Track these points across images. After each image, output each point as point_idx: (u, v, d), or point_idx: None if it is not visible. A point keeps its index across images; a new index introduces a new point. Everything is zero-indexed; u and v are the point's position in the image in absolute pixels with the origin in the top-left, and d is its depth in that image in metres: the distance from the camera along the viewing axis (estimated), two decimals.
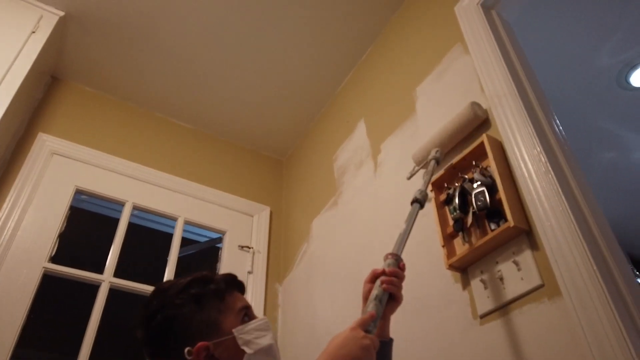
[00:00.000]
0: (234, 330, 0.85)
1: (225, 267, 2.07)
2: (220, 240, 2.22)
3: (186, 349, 0.81)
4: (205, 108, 2.35)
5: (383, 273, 0.93)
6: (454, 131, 1.32)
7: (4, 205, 1.68)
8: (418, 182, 1.46)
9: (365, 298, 0.92)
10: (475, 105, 1.28)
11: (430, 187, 1.34)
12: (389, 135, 1.74)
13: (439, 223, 1.27)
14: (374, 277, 0.94)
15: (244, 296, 0.95)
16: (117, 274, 1.80)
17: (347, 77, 2.23)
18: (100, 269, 1.78)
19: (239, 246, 2.17)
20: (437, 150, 1.25)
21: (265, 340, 0.87)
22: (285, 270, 2.15)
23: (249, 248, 2.18)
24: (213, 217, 2.18)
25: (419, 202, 1.09)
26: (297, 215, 2.26)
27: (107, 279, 1.76)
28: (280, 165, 2.63)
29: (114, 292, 1.77)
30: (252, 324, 0.88)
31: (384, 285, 0.90)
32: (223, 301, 0.89)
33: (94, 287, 1.75)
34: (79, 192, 1.91)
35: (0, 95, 1.58)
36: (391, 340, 0.99)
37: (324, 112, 2.37)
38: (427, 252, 1.35)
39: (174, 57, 2.12)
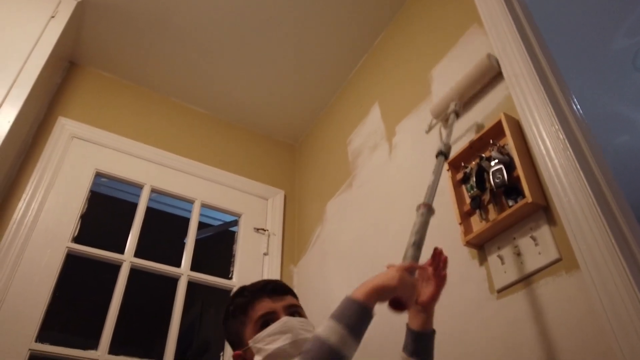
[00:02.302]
0: (249, 341, 0.94)
1: (241, 249, 2.10)
2: (235, 223, 2.25)
3: (233, 354, 0.98)
4: (220, 94, 2.37)
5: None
6: (471, 82, 1.36)
7: (27, 188, 1.72)
8: (432, 163, 1.48)
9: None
10: (491, 56, 1.32)
11: (446, 166, 1.36)
12: (404, 118, 1.75)
13: (456, 201, 1.29)
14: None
15: (278, 297, 1.01)
16: (137, 256, 1.84)
17: (360, 61, 2.23)
18: (119, 252, 1.82)
19: (255, 229, 2.20)
20: (457, 103, 1.28)
21: (273, 345, 0.91)
22: (300, 252, 2.19)
23: (265, 230, 2.21)
24: (229, 200, 2.22)
25: (444, 154, 1.13)
26: (311, 199, 2.29)
27: (128, 258, 1.80)
28: (293, 149, 2.65)
29: (133, 274, 1.81)
30: (265, 332, 0.93)
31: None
32: (245, 313, 0.98)
33: (114, 268, 1.79)
34: (98, 175, 1.94)
35: (23, 80, 1.61)
36: (433, 331, 1.01)
37: (337, 96, 2.38)
38: (442, 230, 1.36)
39: (189, 43, 2.14)
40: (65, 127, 1.94)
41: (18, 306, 1.50)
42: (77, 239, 1.75)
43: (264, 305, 0.98)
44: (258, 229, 2.21)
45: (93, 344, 1.60)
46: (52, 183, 1.78)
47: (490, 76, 1.34)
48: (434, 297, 0.99)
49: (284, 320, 0.95)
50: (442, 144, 1.14)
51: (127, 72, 2.25)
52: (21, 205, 1.67)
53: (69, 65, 2.16)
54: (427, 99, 1.65)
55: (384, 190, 1.73)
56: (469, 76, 1.36)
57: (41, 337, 1.53)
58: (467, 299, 1.22)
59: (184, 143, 2.25)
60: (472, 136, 1.32)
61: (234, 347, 0.99)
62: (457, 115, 1.28)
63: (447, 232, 1.34)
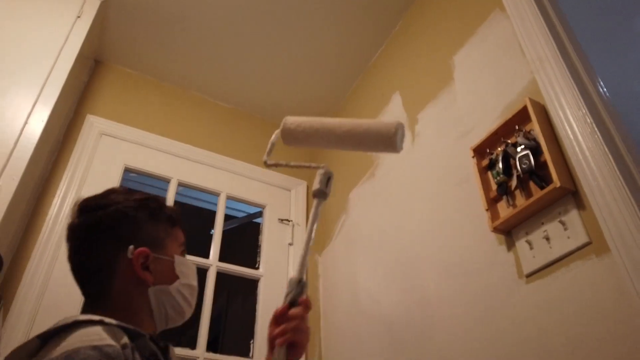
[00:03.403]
0: (175, 255, 0.89)
1: (266, 239, 2.14)
2: (260, 214, 2.29)
3: (130, 247, 0.82)
4: (241, 86, 2.40)
5: (284, 315, 0.75)
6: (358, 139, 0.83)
7: (61, 184, 1.78)
8: (455, 149, 1.49)
9: (270, 342, 0.76)
10: (399, 126, 0.80)
11: (471, 153, 1.37)
12: (426, 106, 1.76)
13: (482, 187, 1.30)
14: (275, 320, 0.77)
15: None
16: None
17: (380, 49, 2.23)
18: None
19: (279, 219, 2.24)
20: (325, 172, 0.88)
21: (194, 282, 0.91)
22: (325, 241, 2.22)
23: (289, 221, 2.25)
24: (253, 191, 2.25)
25: (323, 193, 0.87)
26: (334, 188, 2.30)
27: None
28: None
29: None
30: (191, 264, 0.92)
31: (281, 340, 0.73)
32: (172, 228, 0.91)
33: None
34: (127, 170, 2.00)
35: (53, 80, 1.66)
36: None
37: (357, 86, 2.39)
38: (468, 217, 1.38)
39: (209, 37, 2.16)
40: (94, 125, 1.99)
41: (57, 302, 1.56)
42: None
43: (181, 237, 0.93)
44: (282, 220, 2.24)
45: None
46: (84, 179, 1.83)
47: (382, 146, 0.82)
48: (299, 354, 0.77)
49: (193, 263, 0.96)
50: (318, 182, 0.86)
51: (150, 69, 2.29)
52: (56, 202, 1.73)
53: (95, 63, 2.21)
54: (448, 87, 1.65)
55: (408, 179, 1.75)
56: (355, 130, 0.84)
57: None
58: (495, 284, 1.23)
59: (208, 136, 2.29)
60: (496, 122, 1.32)
61: (135, 242, 0.83)
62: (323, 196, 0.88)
63: (473, 219, 1.36)
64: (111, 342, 0.65)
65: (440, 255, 1.46)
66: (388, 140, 0.79)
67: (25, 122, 1.53)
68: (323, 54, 2.25)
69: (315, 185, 0.87)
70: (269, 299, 1.98)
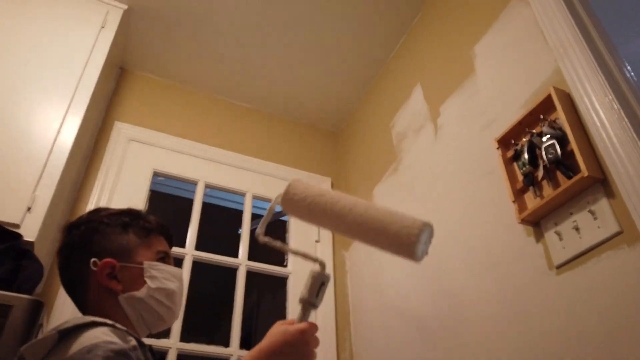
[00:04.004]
0: (145, 262, 0.90)
1: (293, 237, 2.17)
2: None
3: (92, 260, 0.86)
4: (263, 88, 2.43)
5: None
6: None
7: (94, 190, 1.84)
8: (480, 141, 1.48)
9: None
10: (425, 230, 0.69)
11: (496, 145, 1.36)
12: (447, 98, 1.74)
13: (508, 179, 1.29)
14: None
15: (170, 246, 1.00)
16: (197, 248, 1.94)
17: (399, 43, 2.22)
18: (181, 246, 1.92)
19: None
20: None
21: (171, 285, 0.91)
22: None
23: None
24: (278, 190, 2.25)
25: (312, 305, 0.77)
26: (357, 184, 2.32)
27: (190, 252, 1.90)
28: (337, 137, 2.69)
29: (195, 265, 1.91)
30: (168, 267, 0.93)
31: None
32: (147, 237, 0.94)
33: (177, 262, 1.89)
34: (156, 175, 2.05)
35: (82, 90, 1.71)
36: None
37: (377, 80, 2.38)
38: (495, 209, 1.37)
39: (229, 41, 2.19)
40: (122, 131, 2.05)
41: None
42: None
43: (164, 244, 0.97)
44: None
45: (165, 333, 1.71)
46: (116, 185, 1.89)
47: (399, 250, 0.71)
48: None
49: (181, 270, 0.99)
50: (305, 291, 0.75)
51: (174, 74, 2.34)
52: (90, 208, 1.79)
53: (120, 71, 2.27)
54: (470, 77, 1.63)
55: (431, 173, 1.74)
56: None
57: None
58: (525, 276, 1.22)
59: (232, 138, 2.33)
60: (520, 113, 1.31)
61: (100, 255, 0.87)
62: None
63: (499, 211, 1.35)
64: (123, 344, 0.70)
65: (466, 249, 1.46)
66: (407, 248, 0.65)
67: (58, 132, 1.58)
68: (342, 50, 2.26)
69: (303, 291, 0.73)
70: (298, 295, 2.00)
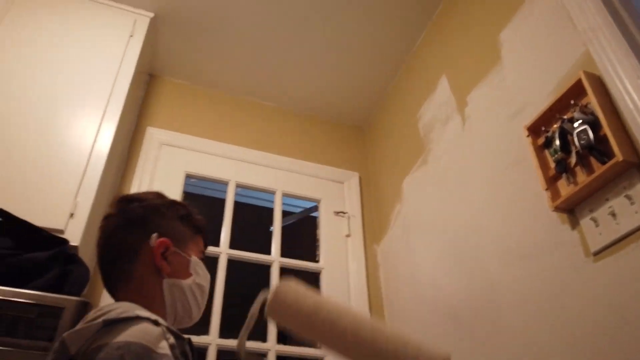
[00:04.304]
0: (193, 256, 0.93)
1: (324, 233, 2.19)
2: (316, 208, 2.35)
3: (154, 234, 0.88)
4: (288, 87, 2.45)
5: None
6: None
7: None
8: (508, 130, 1.46)
9: None
10: None
11: (526, 132, 1.34)
12: (474, 87, 1.73)
13: (539, 167, 1.27)
14: None
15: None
16: (230, 247, 1.99)
17: (422, 34, 2.21)
18: (215, 245, 1.97)
19: (334, 212, 2.28)
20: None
21: (206, 284, 0.95)
22: (382, 231, 2.24)
23: (344, 213, 2.29)
24: (307, 187, 2.31)
25: None
26: (386, 178, 2.33)
27: (224, 250, 1.95)
28: (363, 131, 2.69)
29: (230, 264, 1.96)
30: (206, 271, 0.96)
31: None
32: (196, 235, 0.96)
33: (213, 260, 1.95)
34: (188, 177, 2.11)
35: (115, 98, 1.77)
36: None
37: (402, 72, 2.37)
38: (527, 198, 1.35)
39: (253, 42, 2.23)
40: (154, 136, 2.11)
41: None
42: None
43: (202, 246, 0.99)
44: (338, 213, 2.28)
45: (204, 330, 1.77)
46: (151, 188, 1.95)
47: None
48: None
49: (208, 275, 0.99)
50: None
51: (200, 78, 2.39)
52: None
53: (149, 77, 2.34)
54: (497, 66, 1.61)
55: (461, 163, 1.73)
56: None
57: None
58: (561, 264, 1.21)
59: (260, 138, 2.36)
60: (549, 99, 1.29)
61: (162, 233, 0.90)
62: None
63: (532, 199, 1.33)
64: (159, 347, 0.68)
65: (500, 239, 1.45)
66: None
67: (94, 140, 1.64)
68: (365, 45, 2.26)
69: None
70: (331, 290, 2.04)
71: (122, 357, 0.64)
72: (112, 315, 0.71)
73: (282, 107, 2.56)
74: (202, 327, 1.80)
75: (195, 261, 0.93)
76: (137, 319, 0.71)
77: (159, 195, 0.98)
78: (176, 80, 2.40)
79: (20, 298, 1.01)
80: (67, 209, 1.45)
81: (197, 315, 0.93)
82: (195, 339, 1.73)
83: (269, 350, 1.80)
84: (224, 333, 1.80)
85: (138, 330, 0.69)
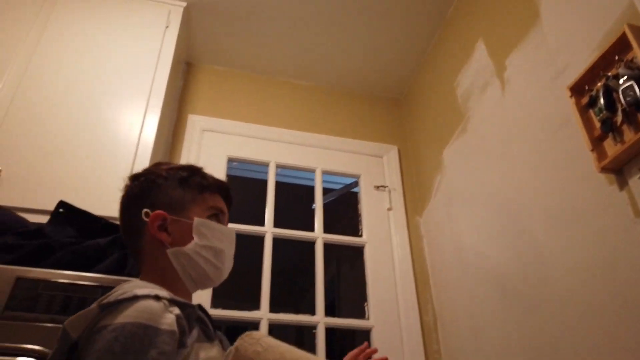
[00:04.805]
0: (195, 218, 0.90)
1: (365, 207, 2.21)
2: (356, 184, 2.37)
3: (144, 210, 0.88)
4: (322, 64, 2.46)
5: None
6: None
7: None
8: (550, 91, 1.41)
9: None
10: None
11: (569, 93, 1.30)
12: (513, 50, 1.67)
13: (584, 127, 1.23)
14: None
15: (227, 206, 0.99)
16: (275, 226, 2.05)
17: None
18: (260, 225, 2.04)
19: (375, 187, 2.29)
20: None
21: (219, 244, 0.90)
22: (424, 202, 2.23)
23: (385, 187, 2.29)
24: (346, 163, 2.33)
25: None
26: (425, 149, 2.31)
27: (269, 229, 2.02)
28: (400, 103, 2.67)
29: (275, 242, 2.02)
30: (218, 226, 0.92)
31: None
32: (201, 194, 0.93)
33: (260, 240, 2.02)
34: (230, 160, 2.17)
35: (156, 88, 1.84)
36: None
37: (436, 40, 2.32)
38: (572, 160, 1.32)
39: (285, 21, 2.24)
40: (195, 124, 2.18)
41: None
42: None
43: (220, 202, 0.96)
44: (378, 187, 2.29)
45: (256, 306, 1.85)
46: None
47: None
48: None
49: (234, 230, 0.97)
50: None
51: (236, 62, 2.44)
52: None
53: (187, 66, 2.40)
54: (536, 25, 1.55)
55: (502, 129, 1.69)
56: None
57: (215, 304, 1.80)
58: (610, 226, 1.17)
59: (298, 117, 2.39)
60: (592, 56, 1.24)
61: (154, 206, 0.90)
62: None
63: (577, 161, 1.30)
64: (161, 323, 0.69)
65: (546, 204, 1.42)
66: None
67: (141, 131, 1.72)
68: (397, 14, 2.22)
69: None
70: (375, 263, 2.07)
71: (116, 339, 0.64)
72: (110, 298, 0.72)
73: (318, 85, 2.56)
74: (253, 303, 1.88)
75: (199, 223, 0.90)
76: (135, 298, 0.71)
77: (165, 165, 0.97)
78: (213, 66, 2.45)
79: (86, 281, 1.10)
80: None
81: (216, 275, 0.91)
82: (247, 315, 1.82)
83: (318, 322, 1.86)
84: (274, 308, 1.87)
85: (134, 310, 0.69)
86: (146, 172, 0.95)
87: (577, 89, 1.28)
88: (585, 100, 1.25)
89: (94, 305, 0.70)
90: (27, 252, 1.14)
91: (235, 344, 0.61)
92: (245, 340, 0.59)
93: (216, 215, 0.93)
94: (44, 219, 1.32)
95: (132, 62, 1.86)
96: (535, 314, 1.40)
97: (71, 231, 1.26)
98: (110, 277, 1.11)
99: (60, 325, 0.71)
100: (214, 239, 0.90)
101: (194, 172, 0.96)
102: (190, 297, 0.91)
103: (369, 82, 2.58)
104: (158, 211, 0.88)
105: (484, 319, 1.64)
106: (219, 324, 0.97)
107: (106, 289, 1.07)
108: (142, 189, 0.92)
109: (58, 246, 1.17)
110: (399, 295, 2.00)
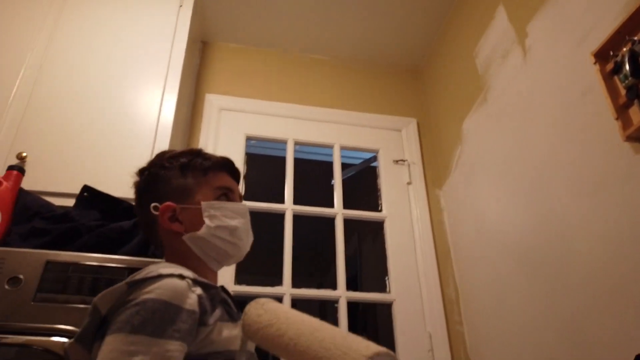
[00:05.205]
0: (202, 202, 0.90)
1: (384, 182, 2.21)
2: (375, 159, 2.35)
3: (153, 204, 0.90)
4: (338, 37, 2.42)
5: None
6: None
7: None
8: (575, 58, 1.36)
9: None
10: None
11: (592, 59, 1.25)
12: (534, 15, 1.61)
13: (608, 95, 1.19)
14: None
15: (236, 180, 0.98)
16: (295, 203, 2.06)
17: None
18: (280, 202, 2.05)
19: (394, 161, 2.28)
20: None
21: (231, 222, 0.90)
22: (443, 175, 2.21)
23: (404, 161, 2.27)
24: (364, 138, 2.31)
25: None
26: (445, 121, 2.27)
27: (289, 207, 2.03)
28: (418, 75, 2.62)
29: (296, 218, 2.04)
30: (228, 204, 0.92)
31: None
32: (205, 175, 0.93)
33: (280, 217, 2.04)
34: (248, 139, 2.18)
35: (173, 69, 1.84)
36: None
37: (454, 8, 2.25)
38: (597, 129, 1.28)
39: None
40: (213, 103, 2.19)
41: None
42: (244, 198, 2.02)
43: (226, 179, 0.96)
44: (397, 161, 2.27)
45: (278, 282, 1.88)
46: (215, 153, 2.04)
47: None
48: None
49: (246, 205, 0.96)
50: None
51: (251, 39, 2.42)
52: None
53: (202, 45, 2.40)
54: None
55: (524, 98, 1.65)
56: None
57: (239, 280, 1.84)
58: (635, 196, 1.15)
59: (315, 93, 2.38)
60: (618, 20, 1.18)
61: (162, 199, 0.91)
62: None
63: (601, 130, 1.26)
64: (184, 301, 0.72)
65: (569, 174, 1.39)
66: None
67: (159, 112, 1.73)
68: None
69: None
70: (396, 238, 2.07)
71: (138, 312, 0.68)
72: (137, 277, 0.75)
73: (334, 59, 2.53)
74: (276, 278, 1.92)
75: (207, 206, 0.90)
76: (159, 277, 0.74)
77: (167, 154, 0.97)
78: (228, 44, 2.44)
79: (113, 263, 1.13)
80: None
81: (236, 251, 0.92)
82: (270, 290, 1.85)
83: (340, 297, 1.89)
84: (298, 284, 1.91)
85: (158, 287, 0.72)
86: (149, 165, 0.97)
87: (601, 55, 1.23)
88: (610, 66, 1.21)
89: (122, 283, 0.74)
90: (56, 236, 1.18)
91: (245, 309, 0.66)
92: (252, 305, 0.65)
93: (225, 194, 0.94)
94: (68, 202, 1.36)
95: (147, 44, 1.86)
96: (558, 285, 1.39)
97: (96, 214, 1.30)
98: (136, 258, 1.15)
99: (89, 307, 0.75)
100: (225, 218, 0.91)
101: (194, 156, 0.96)
102: (215, 276, 0.94)
103: (387, 54, 2.53)
104: (166, 203, 0.90)
105: (506, 290, 1.64)
106: (243, 299, 1.00)
107: (132, 270, 1.11)
108: (147, 183, 0.94)
109: (84, 230, 1.21)
110: (420, 268, 2.01)
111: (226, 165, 0.98)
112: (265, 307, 0.64)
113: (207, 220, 0.90)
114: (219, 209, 0.91)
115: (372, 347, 0.52)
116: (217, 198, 0.93)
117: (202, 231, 0.89)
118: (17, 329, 0.99)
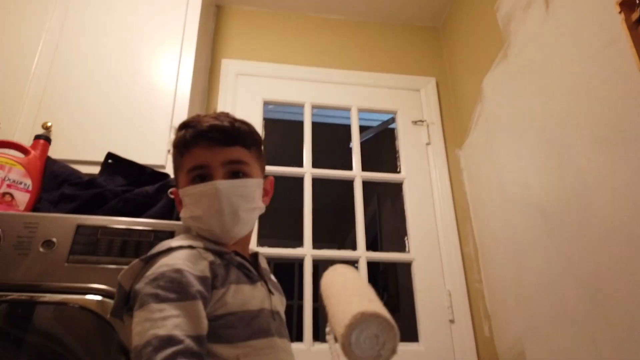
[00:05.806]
0: (181, 188, 0.90)
1: (403, 143, 2.20)
2: (393, 120, 2.34)
3: (169, 191, 1.02)
4: None
5: None
6: None
7: None
8: (601, 7, 1.31)
9: None
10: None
11: (618, 8, 1.20)
12: None
13: (634, 46, 1.15)
14: None
15: (218, 148, 0.87)
16: (313, 166, 2.08)
17: None
18: (299, 166, 2.08)
19: (412, 122, 2.26)
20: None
21: (196, 210, 0.86)
22: (463, 134, 2.19)
23: (422, 121, 2.25)
24: (382, 99, 2.29)
25: None
26: (464, 79, 2.22)
27: (308, 170, 2.05)
28: (436, 31, 2.55)
29: (315, 182, 2.06)
30: (195, 188, 0.86)
31: None
32: (182, 157, 0.90)
33: (299, 180, 2.06)
34: (266, 103, 2.19)
35: (188, 34, 1.84)
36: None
37: None
38: (620, 81, 1.24)
39: None
40: (229, 68, 2.19)
41: None
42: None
43: (198, 156, 0.87)
44: (416, 122, 2.26)
45: (300, 244, 1.92)
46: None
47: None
48: None
49: (211, 184, 0.85)
50: None
51: (265, 1, 2.38)
52: None
53: (217, 9, 2.38)
54: None
55: (547, 52, 1.60)
56: None
57: (260, 243, 1.89)
58: None
59: (331, 54, 2.35)
60: None
61: (176, 183, 0.95)
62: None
63: (627, 83, 1.22)
64: (190, 267, 0.77)
65: (591, 128, 1.36)
66: (341, 338, 0.65)
67: (177, 79, 1.74)
68: None
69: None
70: (415, 199, 2.08)
71: (158, 285, 0.74)
72: (151, 252, 0.82)
73: (350, 18, 2.48)
74: (297, 241, 1.96)
75: (182, 193, 0.90)
76: (169, 250, 0.80)
77: (174, 141, 0.94)
78: (242, 7, 2.41)
79: (140, 226, 1.18)
80: (164, 146, 1.60)
81: (224, 232, 0.86)
82: (292, 252, 1.90)
83: (360, 257, 1.93)
84: (320, 245, 1.95)
85: (169, 259, 0.78)
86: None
87: (627, 4, 1.18)
88: (635, 15, 1.16)
89: (137, 260, 0.81)
90: (84, 202, 1.23)
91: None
92: (329, 269, 0.85)
93: (199, 175, 0.87)
94: (93, 170, 1.41)
95: (162, 9, 1.86)
96: (578, 241, 1.39)
97: (121, 180, 1.34)
98: (161, 221, 1.19)
99: (120, 266, 0.84)
100: (192, 207, 0.87)
101: (178, 132, 0.91)
102: (239, 246, 0.92)
103: (404, 11, 2.47)
104: (173, 189, 0.97)
105: (525, 248, 1.65)
106: (267, 260, 1.04)
107: (158, 232, 1.15)
108: (173, 165, 0.97)
109: (111, 195, 1.26)
110: (439, 227, 2.03)
111: (206, 135, 0.87)
112: (334, 270, 0.84)
113: (182, 209, 0.91)
114: (189, 196, 0.88)
115: (365, 308, 0.65)
116: (192, 181, 0.87)
117: (183, 219, 0.92)
118: (53, 288, 1.05)
